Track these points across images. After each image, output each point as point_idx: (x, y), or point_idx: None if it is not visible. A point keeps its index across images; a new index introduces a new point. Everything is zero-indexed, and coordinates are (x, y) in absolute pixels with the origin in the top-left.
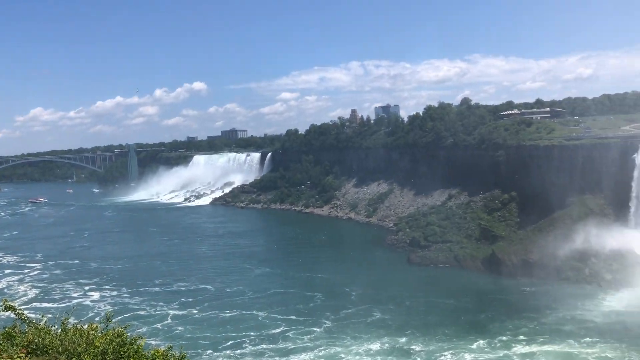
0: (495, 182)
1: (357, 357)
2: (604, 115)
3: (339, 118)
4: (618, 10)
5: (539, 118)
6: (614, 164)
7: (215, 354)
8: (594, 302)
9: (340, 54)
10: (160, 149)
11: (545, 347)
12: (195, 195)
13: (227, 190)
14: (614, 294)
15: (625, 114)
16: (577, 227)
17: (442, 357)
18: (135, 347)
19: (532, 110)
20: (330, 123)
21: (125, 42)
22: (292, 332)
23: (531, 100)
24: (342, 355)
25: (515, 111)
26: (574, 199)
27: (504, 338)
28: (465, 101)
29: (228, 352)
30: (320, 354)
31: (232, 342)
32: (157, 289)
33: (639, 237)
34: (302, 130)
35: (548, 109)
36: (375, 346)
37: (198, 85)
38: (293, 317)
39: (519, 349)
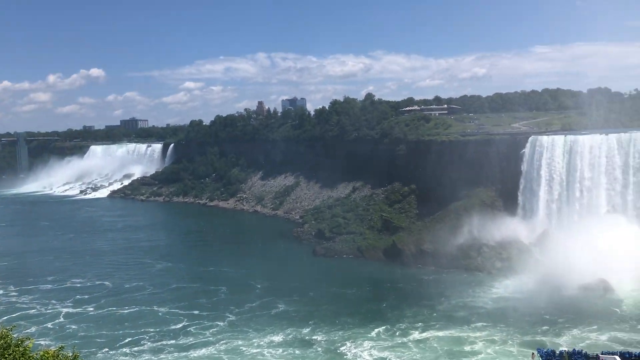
0: (396, 175)
1: (259, 350)
2: (495, 112)
3: (246, 109)
4: (510, 14)
5: (437, 114)
6: (504, 159)
7: (111, 352)
8: (484, 289)
9: (247, 44)
10: (54, 138)
11: (440, 333)
12: (91, 188)
13: (127, 182)
14: (502, 281)
15: (515, 112)
16: (471, 218)
17: (343, 346)
18: (21, 349)
19: (431, 107)
20: (237, 114)
21: (14, 23)
22: (194, 327)
23: (430, 97)
24: (243, 348)
25: (416, 107)
26: (467, 191)
27: (403, 325)
28: (369, 96)
29: (125, 349)
30: (222, 347)
31: (130, 339)
32: (49, 286)
33: (525, 226)
34: (207, 121)
35: (445, 106)
36: (278, 338)
37: (95, 71)
38: (196, 312)
39: (416, 335)
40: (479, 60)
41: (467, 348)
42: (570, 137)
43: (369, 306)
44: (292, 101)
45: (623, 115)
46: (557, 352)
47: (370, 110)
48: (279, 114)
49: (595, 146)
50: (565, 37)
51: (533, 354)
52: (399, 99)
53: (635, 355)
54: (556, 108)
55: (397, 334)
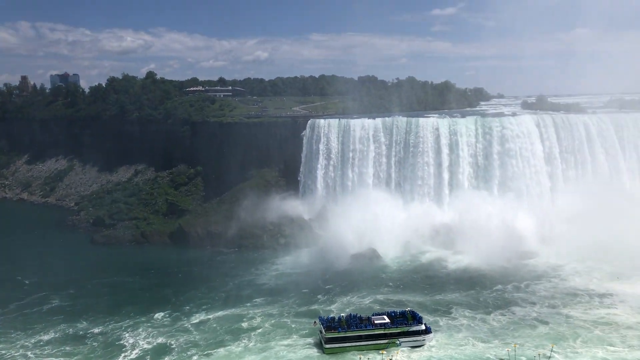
0: (181, 157)
1: (22, 351)
2: (277, 96)
3: (6, 85)
4: (289, 2)
5: (222, 96)
6: (286, 140)
7: None
8: (267, 266)
9: (4, 10)
10: None
11: (222, 313)
12: None
13: None
14: (284, 257)
15: (295, 95)
16: (256, 198)
17: (121, 338)
18: None
19: (216, 88)
20: None
21: None
22: None
23: (215, 78)
24: (3, 352)
25: (200, 88)
26: (253, 172)
27: (186, 309)
28: (151, 75)
29: None
30: None
31: None
32: None
33: (306, 203)
34: None
35: (230, 87)
36: (48, 336)
37: None
38: None
39: (198, 317)
40: (262, 44)
41: (246, 324)
42: (344, 121)
43: (153, 293)
44: (63, 77)
45: (387, 102)
46: (336, 318)
47: (152, 90)
48: (48, 91)
49: (365, 128)
50: (339, 27)
51: (315, 322)
52: (182, 78)
53: (399, 313)
54: (332, 93)
55: (181, 318)
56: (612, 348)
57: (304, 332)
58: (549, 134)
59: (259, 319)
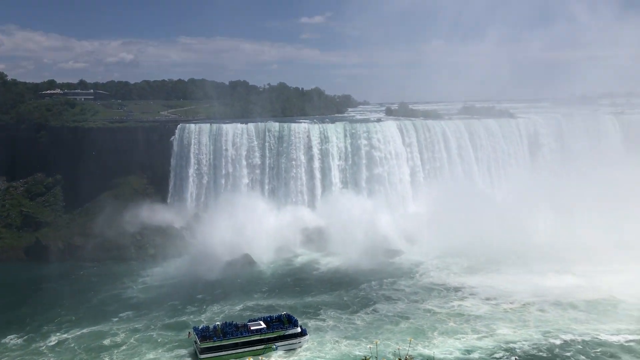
0: (38, 166)
1: None
2: (144, 99)
3: None
4: (155, 2)
5: (82, 99)
6: (154, 146)
7: None
8: (134, 279)
9: None
10: None
11: (82, 331)
12: None
13: None
14: (153, 268)
15: (163, 99)
16: (122, 207)
17: None
18: None
19: (76, 91)
20: None
21: None
22: None
23: (75, 80)
24: None
25: (58, 91)
26: (119, 180)
27: (44, 329)
28: (1, 76)
29: None
30: None
31: None
32: None
33: (177, 211)
34: None
35: (92, 91)
36: None
37: None
38: None
39: (56, 337)
40: (126, 46)
41: (108, 341)
42: (215, 125)
43: (4, 314)
44: None
45: (258, 107)
46: (211, 327)
47: (2, 92)
48: None
49: (238, 134)
50: (208, 31)
51: (189, 333)
52: (38, 80)
53: (275, 318)
54: (201, 97)
55: (36, 339)
56: (463, 337)
57: (173, 344)
58: (413, 153)
59: (122, 335)
